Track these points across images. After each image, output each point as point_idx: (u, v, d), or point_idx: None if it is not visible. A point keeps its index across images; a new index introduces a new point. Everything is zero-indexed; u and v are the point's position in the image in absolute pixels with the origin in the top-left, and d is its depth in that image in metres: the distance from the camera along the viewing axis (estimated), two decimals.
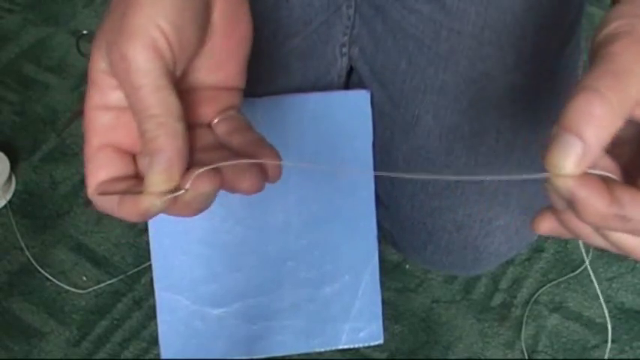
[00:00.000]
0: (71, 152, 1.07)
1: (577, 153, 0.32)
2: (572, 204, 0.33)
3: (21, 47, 1.22)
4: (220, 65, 0.41)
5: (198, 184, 0.37)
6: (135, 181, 0.39)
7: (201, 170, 0.36)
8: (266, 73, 0.65)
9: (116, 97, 0.38)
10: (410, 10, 0.64)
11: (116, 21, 0.36)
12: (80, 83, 1.16)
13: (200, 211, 0.39)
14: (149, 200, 0.36)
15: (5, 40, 1.23)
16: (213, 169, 0.37)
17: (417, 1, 0.63)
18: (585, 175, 0.32)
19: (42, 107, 1.13)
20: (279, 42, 0.65)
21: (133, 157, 0.40)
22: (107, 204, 0.38)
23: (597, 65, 0.33)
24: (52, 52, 1.21)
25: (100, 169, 0.39)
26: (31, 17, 1.26)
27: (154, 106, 0.36)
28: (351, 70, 0.70)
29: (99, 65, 0.38)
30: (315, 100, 0.65)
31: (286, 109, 0.63)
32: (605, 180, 0.33)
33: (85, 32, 1.13)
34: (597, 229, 0.35)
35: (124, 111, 0.38)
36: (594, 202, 0.32)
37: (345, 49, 0.68)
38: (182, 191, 0.36)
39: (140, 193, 0.37)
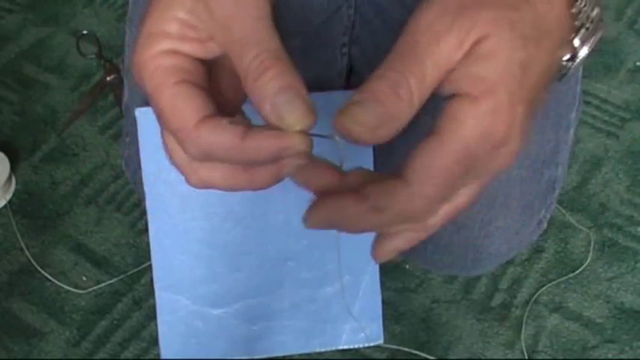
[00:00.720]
0: (71, 152, 1.07)
1: (377, 118, 0.33)
2: (333, 226, 0.35)
3: (21, 47, 1.22)
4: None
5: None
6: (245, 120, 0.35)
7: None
8: None
9: (190, 48, 0.36)
10: (410, 10, 0.64)
11: None
12: (80, 83, 1.16)
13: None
14: (297, 139, 0.33)
15: (5, 40, 1.23)
16: None
17: (417, 1, 0.63)
18: (326, 198, 0.35)
19: (42, 107, 1.13)
20: None
21: (212, 101, 0.36)
22: (224, 137, 0.34)
23: (404, 36, 0.34)
24: (52, 52, 1.21)
25: (191, 104, 0.35)
26: (31, 17, 1.27)
27: (273, 39, 0.34)
28: (351, 70, 0.70)
29: (175, 14, 0.35)
30: (315, 100, 0.65)
31: None
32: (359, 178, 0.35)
33: (85, 32, 1.13)
34: (372, 231, 0.37)
35: (197, 61, 0.36)
36: (344, 210, 0.34)
37: (345, 50, 0.68)
38: (327, 134, 0.34)
39: (279, 129, 0.33)
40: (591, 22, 0.39)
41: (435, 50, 0.33)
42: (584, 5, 0.38)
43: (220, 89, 0.39)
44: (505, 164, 0.36)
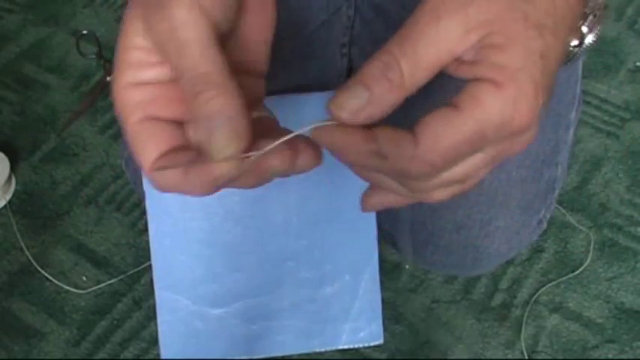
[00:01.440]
0: (71, 152, 1.07)
1: (360, 102, 0.33)
2: (332, 149, 0.35)
3: (21, 47, 1.22)
4: (248, 45, 0.39)
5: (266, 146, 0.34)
6: (189, 151, 0.35)
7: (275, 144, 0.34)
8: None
9: (152, 74, 0.36)
10: (410, 10, 0.64)
11: None
12: (80, 83, 1.16)
13: (265, 180, 0.36)
14: (221, 167, 0.33)
15: (5, 40, 1.23)
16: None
17: (416, 2, 0.63)
18: (339, 125, 0.34)
19: (42, 107, 1.13)
20: (279, 42, 0.65)
21: (178, 128, 0.37)
22: (170, 180, 0.36)
23: (403, 26, 0.34)
24: (52, 52, 1.21)
25: (149, 144, 0.36)
26: (31, 17, 1.26)
27: (204, 64, 0.34)
28: (351, 71, 0.70)
29: (132, 42, 0.35)
30: (315, 100, 0.65)
31: (286, 109, 0.63)
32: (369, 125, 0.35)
33: (85, 32, 1.13)
34: (361, 168, 0.37)
35: (161, 86, 0.36)
36: (349, 141, 0.34)
37: (345, 50, 0.68)
38: (258, 152, 0.33)
39: (205, 162, 0.33)
40: (599, 9, 0.39)
41: (432, 32, 0.33)
42: None
43: (241, 55, 0.39)
44: (518, 151, 0.36)
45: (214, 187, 0.35)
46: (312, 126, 0.35)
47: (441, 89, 0.37)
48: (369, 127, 0.34)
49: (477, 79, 0.33)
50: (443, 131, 0.33)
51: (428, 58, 0.33)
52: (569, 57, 0.40)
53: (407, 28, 0.34)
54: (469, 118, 0.33)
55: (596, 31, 0.40)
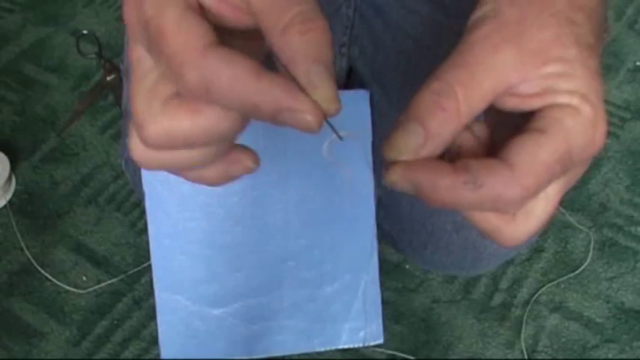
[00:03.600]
0: (71, 152, 1.07)
1: (417, 140, 0.32)
2: (418, 190, 0.33)
3: (21, 47, 1.22)
4: None
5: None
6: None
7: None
8: None
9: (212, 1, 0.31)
10: (409, 10, 0.64)
11: None
12: (80, 83, 1.16)
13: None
14: (313, 109, 0.29)
15: (5, 40, 1.23)
16: None
17: (416, 2, 0.63)
18: (420, 160, 0.32)
19: (42, 107, 1.13)
20: None
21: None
22: (235, 69, 0.29)
23: (454, 54, 0.33)
24: (52, 52, 1.21)
25: (202, 25, 0.30)
26: (31, 17, 1.27)
27: (317, 4, 0.30)
28: (350, 71, 0.70)
29: None
30: None
31: None
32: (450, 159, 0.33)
33: (85, 32, 1.13)
34: (456, 208, 0.34)
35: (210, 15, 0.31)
36: (438, 177, 0.32)
37: (344, 49, 0.68)
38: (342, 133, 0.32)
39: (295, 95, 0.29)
40: (605, 30, 0.40)
41: (489, 59, 0.33)
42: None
43: None
44: (584, 170, 0.36)
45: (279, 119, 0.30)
46: (345, 133, 0.33)
47: None
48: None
49: (551, 106, 0.33)
50: (536, 154, 0.33)
51: (485, 86, 0.32)
52: None
53: (460, 56, 0.33)
54: (558, 140, 0.33)
55: (603, 41, 0.41)
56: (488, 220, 0.36)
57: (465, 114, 0.32)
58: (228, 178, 0.35)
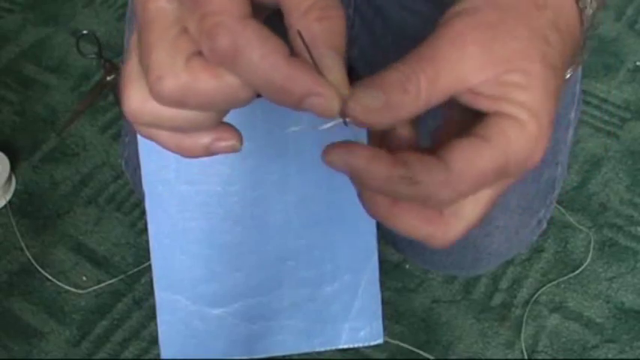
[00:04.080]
0: (71, 152, 1.07)
1: (377, 103, 0.33)
2: (353, 174, 0.34)
3: (21, 47, 1.22)
4: None
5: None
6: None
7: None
8: None
9: None
10: (409, 10, 0.64)
11: None
12: (80, 83, 1.16)
13: None
14: (335, 96, 0.31)
15: (5, 40, 1.23)
16: None
17: (416, 2, 0.63)
18: (361, 145, 0.34)
19: (42, 107, 1.13)
20: None
21: None
22: (269, 46, 0.29)
23: (428, 41, 0.34)
24: (52, 52, 1.21)
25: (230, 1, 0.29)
26: (31, 17, 1.27)
27: None
28: (350, 70, 0.70)
29: None
30: None
31: (285, 109, 0.63)
32: (393, 151, 0.34)
33: (85, 32, 1.13)
34: (387, 196, 0.35)
35: None
36: (375, 166, 0.33)
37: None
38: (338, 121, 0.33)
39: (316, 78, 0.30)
40: (587, 39, 0.40)
41: (455, 57, 0.33)
42: (589, 24, 0.39)
43: None
44: (516, 180, 0.37)
45: (299, 104, 0.31)
46: (328, 125, 0.34)
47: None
48: (391, 151, 0.34)
49: (500, 114, 0.34)
50: (475, 161, 0.33)
51: (446, 81, 0.33)
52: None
53: (429, 48, 0.34)
54: (498, 150, 0.33)
55: (572, 67, 0.42)
56: (420, 229, 0.36)
57: (422, 103, 0.33)
58: (209, 152, 0.34)
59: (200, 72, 0.30)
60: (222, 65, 0.30)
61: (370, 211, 0.37)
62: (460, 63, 0.33)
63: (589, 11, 0.39)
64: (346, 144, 0.34)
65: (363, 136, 0.63)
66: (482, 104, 0.34)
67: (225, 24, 0.29)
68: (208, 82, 0.30)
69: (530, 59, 0.34)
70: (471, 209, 0.37)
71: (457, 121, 0.37)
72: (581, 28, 0.38)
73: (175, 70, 0.30)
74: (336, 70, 0.31)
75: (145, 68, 0.31)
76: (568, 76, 0.41)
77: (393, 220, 0.36)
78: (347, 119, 0.34)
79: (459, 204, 0.36)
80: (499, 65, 0.33)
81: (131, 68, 0.33)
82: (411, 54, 0.34)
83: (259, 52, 0.29)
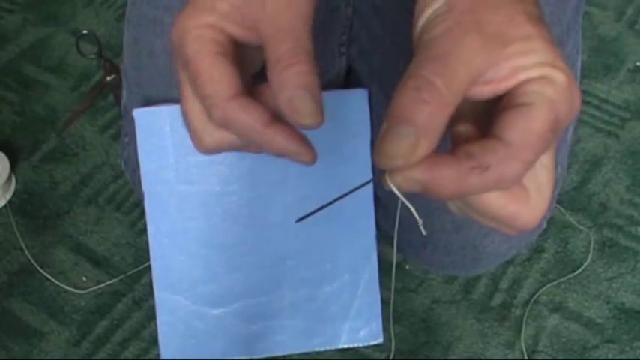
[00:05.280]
0: (71, 152, 1.07)
1: (410, 141, 0.32)
2: (426, 188, 0.33)
3: (21, 47, 1.22)
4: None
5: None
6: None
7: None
8: (265, 73, 0.65)
9: (233, 28, 0.40)
10: (409, 10, 0.64)
11: None
12: (80, 83, 1.16)
13: None
14: (309, 151, 0.40)
15: (5, 40, 1.23)
16: None
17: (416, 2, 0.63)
18: (415, 163, 0.33)
19: (42, 107, 1.13)
20: None
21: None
22: (251, 117, 0.39)
23: (421, 52, 0.34)
24: (52, 52, 1.21)
25: (230, 74, 0.39)
26: (31, 17, 1.27)
27: (309, 39, 0.39)
28: (349, 70, 0.70)
29: None
30: None
31: None
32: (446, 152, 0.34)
33: (85, 32, 1.13)
34: (464, 196, 0.35)
35: (236, 43, 0.41)
36: (442, 170, 0.33)
37: (343, 49, 0.68)
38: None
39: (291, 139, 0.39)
40: None
41: (458, 52, 0.33)
42: None
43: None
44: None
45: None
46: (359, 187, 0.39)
47: None
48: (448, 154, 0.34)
49: (527, 81, 0.34)
50: (529, 127, 0.33)
51: (461, 74, 0.33)
52: None
53: (428, 51, 0.34)
54: (546, 110, 0.34)
55: None
56: (505, 208, 0.35)
57: (449, 101, 0.33)
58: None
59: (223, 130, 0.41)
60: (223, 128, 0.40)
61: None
62: (463, 56, 0.33)
63: None
64: (396, 170, 0.33)
65: (366, 136, 0.62)
66: (504, 86, 0.34)
67: (215, 104, 0.38)
68: (231, 136, 0.41)
69: (519, 25, 0.34)
70: (547, 179, 0.37)
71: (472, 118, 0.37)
72: None
73: (208, 131, 0.42)
74: (305, 108, 0.36)
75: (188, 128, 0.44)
76: None
77: (480, 203, 0.35)
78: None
79: (536, 177, 0.36)
80: (497, 43, 0.34)
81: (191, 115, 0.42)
82: (412, 65, 0.34)
83: (243, 121, 0.38)
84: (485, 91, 0.35)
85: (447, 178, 0.33)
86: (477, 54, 0.34)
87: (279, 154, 0.39)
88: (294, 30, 0.38)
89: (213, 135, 0.41)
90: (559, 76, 0.34)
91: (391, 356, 0.85)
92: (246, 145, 0.42)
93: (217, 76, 0.38)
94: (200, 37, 0.39)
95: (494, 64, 0.34)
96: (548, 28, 0.36)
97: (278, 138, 0.38)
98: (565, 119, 0.35)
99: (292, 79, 0.36)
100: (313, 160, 0.39)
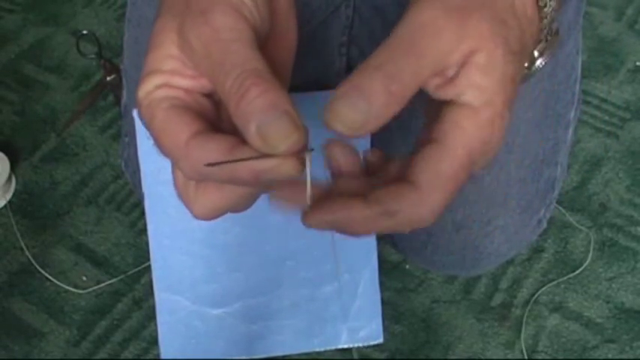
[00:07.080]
0: (71, 152, 1.07)
1: (363, 118, 0.33)
2: (337, 228, 0.35)
3: (21, 47, 1.22)
4: (273, 67, 0.37)
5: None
6: (231, 138, 0.34)
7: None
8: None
9: (185, 82, 0.36)
10: None
11: (185, 2, 0.35)
12: (80, 83, 1.16)
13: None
14: (286, 163, 0.32)
15: (5, 40, 1.23)
16: None
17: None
18: (333, 203, 0.35)
19: (42, 107, 1.13)
20: None
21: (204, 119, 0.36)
22: (211, 151, 0.33)
23: (403, 34, 0.35)
24: (52, 52, 1.21)
25: (183, 120, 0.35)
26: (31, 17, 1.27)
27: (253, 60, 0.33)
28: (349, 70, 0.70)
29: (168, 51, 0.35)
30: (313, 99, 0.65)
31: None
32: (358, 184, 0.36)
33: (85, 32, 1.13)
34: (374, 234, 0.38)
35: (192, 93, 0.36)
36: (353, 214, 0.35)
37: (344, 49, 0.68)
38: (312, 150, 0.33)
39: (263, 157, 0.32)
40: (550, 34, 0.41)
41: (435, 46, 0.34)
42: (550, 20, 0.40)
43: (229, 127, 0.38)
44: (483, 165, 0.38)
45: (260, 182, 0.33)
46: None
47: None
48: (360, 195, 0.35)
49: (454, 104, 0.35)
50: (439, 168, 0.34)
51: (427, 71, 0.34)
52: (524, 79, 0.43)
53: (407, 38, 0.34)
54: (457, 148, 0.34)
55: (546, 55, 0.43)
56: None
57: (407, 98, 0.34)
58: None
59: (207, 193, 0.36)
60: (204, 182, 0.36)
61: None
62: (437, 48, 0.34)
63: (548, 9, 0.39)
64: (316, 204, 0.35)
65: (366, 136, 0.62)
66: (441, 92, 0.35)
67: (178, 157, 0.34)
68: (216, 200, 0.36)
69: (495, 43, 0.34)
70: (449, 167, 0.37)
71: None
72: (540, 23, 0.39)
73: (193, 201, 0.37)
74: (275, 130, 0.32)
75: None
76: (525, 65, 0.41)
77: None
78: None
79: (435, 168, 0.36)
80: (472, 41, 0.34)
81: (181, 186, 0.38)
82: (389, 46, 0.34)
83: (207, 160, 0.33)
84: (431, 86, 0.35)
85: (357, 221, 0.35)
86: (448, 54, 0.34)
87: (257, 179, 0.33)
88: (231, 56, 0.33)
89: (199, 202, 0.36)
90: (485, 112, 0.34)
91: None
92: (244, 200, 0.36)
93: (171, 127, 0.35)
94: (151, 102, 0.36)
95: (455, 62, 0.34)
96: (518, 66, 0.36)
97: (243, 168, 0.33)
98: (480, 155, 0.35)
99: (250, 108, 0.32)
100: (295, 167, 0.33)
